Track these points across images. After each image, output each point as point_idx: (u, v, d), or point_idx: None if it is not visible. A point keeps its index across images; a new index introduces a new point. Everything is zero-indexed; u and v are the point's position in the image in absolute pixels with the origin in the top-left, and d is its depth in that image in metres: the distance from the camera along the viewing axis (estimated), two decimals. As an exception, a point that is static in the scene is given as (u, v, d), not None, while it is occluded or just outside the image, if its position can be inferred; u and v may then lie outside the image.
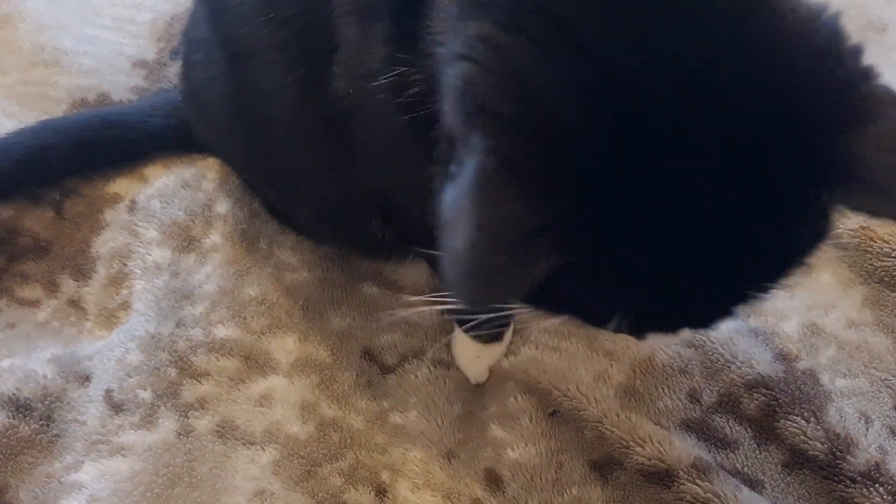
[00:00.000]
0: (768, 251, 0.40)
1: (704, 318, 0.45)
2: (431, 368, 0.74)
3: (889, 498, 0.65)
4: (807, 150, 0.38)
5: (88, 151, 0.83)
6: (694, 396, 0.71)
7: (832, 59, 0.39)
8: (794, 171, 0.38)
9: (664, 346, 0.48)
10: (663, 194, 0.38)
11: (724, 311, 0.44)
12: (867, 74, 0.40)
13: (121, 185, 0.84)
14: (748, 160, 0.38)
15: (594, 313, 0.44)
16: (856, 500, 0.65)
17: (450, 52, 0.40)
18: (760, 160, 0.38)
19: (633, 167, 0.37)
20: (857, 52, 0.40)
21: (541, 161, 0.37)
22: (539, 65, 0.37)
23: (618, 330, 0.43)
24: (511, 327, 0.74)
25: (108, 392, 0.72)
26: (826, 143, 0.38)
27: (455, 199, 0.38)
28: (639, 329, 0.45)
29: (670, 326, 0.45)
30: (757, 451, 0.69)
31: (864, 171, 0.38)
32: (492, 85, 0.38)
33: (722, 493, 0.64)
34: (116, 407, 0.72)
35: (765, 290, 0.42)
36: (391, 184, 0.59)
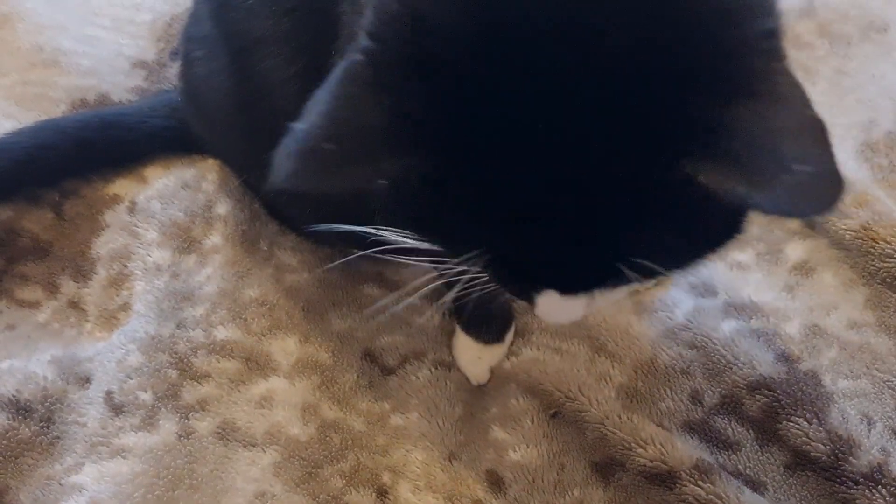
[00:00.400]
0: (632, 219, 0.38)
1: (565, 279, 0.42)
2: (433, 370, 0.74)
3: (891, 500, 0.64)
4: (677, 112, 0.36)
5: (88, 152, 0.82)
6: (696, 398, 0.71)
7: (735, 24, 0.37)
8: (658, 132, 0.36)
9: (563, 318, 0.43)
10: (520, 127, 0.37)
11: (588, 279, 0.42)
12: (771, 52, 0.38)
13: (121, 187, 0.83)
14: (614, 111, 0.36)
15: (449, 241, 0.42)
16: (858, 501, 0.65)
17: None
18: (626, 114, 0.36)
19: (497, 92, 0.36)
20: (771, 32, 0.38)
21: (403, 61, 0.37)
22: None
23: (472, 264, 0.41)
24: (512, 328, 0.74)
25: (109, 394, 0.72)
26: (699, 109, 0.36)
27: (318, 92, 0.38)
28: (497, 274, 0.43)
29: (530, 281, 0.43)
30: (759, 453, 0.69)
31: (735, 148, 0.35)
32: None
33: (724, 495, 0.64)
34: (117, 408, 0.71)
35: (640, 268, 0.39)
36: None
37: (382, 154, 0.38)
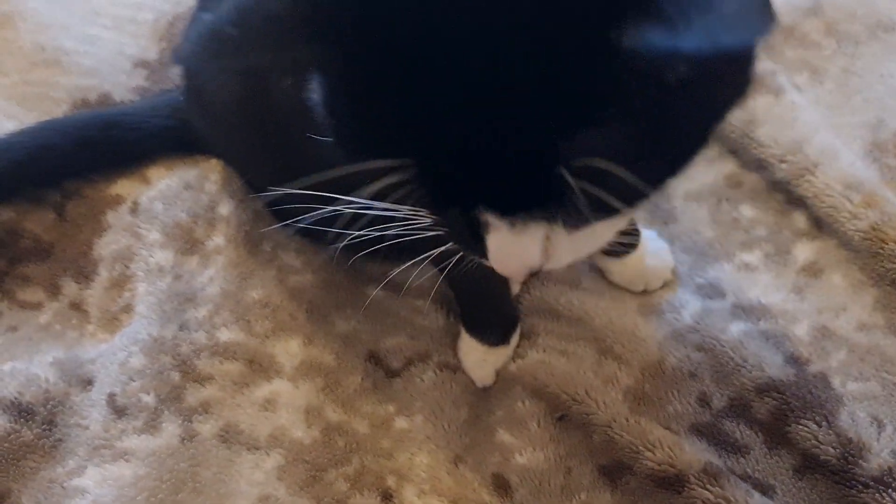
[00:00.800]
0: (564, 110, 0.34)
1: (501, 193, 0.38)
2: (437, 372, 0.73)
3: (902, 503, 0.64)
4: None
5: (90, 152, 0.82)
6: (704, 400, 0.70)
7: None
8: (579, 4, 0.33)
9: (517, 263, 0.40)
10: (430, 10, 0.34)
11: (527, 192, 0.37)
12: None
13: (123, 187, 0.83)
14: None
15: (377, 148, 0.38)
16: (868, 505, 0.64)
17: None
18: None
19: None
20: None
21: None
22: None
23: (407, 177, 0.37)
24: (518, 330, 0.74)
25: (111, 396, 0.71)
26: None
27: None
28: (435, 185, 0.38)
29: (463, 197, 0.38)
30: (768, 456, 0.68)
31: (652, 3, 0.33)
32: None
33: (733, 499, 0.63)
34: (119, 411, 0.71)
35: (588, 174, 0.35)
36: None
37: (286, 42, 0.37)
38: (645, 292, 0.76)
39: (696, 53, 0.32)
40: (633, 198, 0.39)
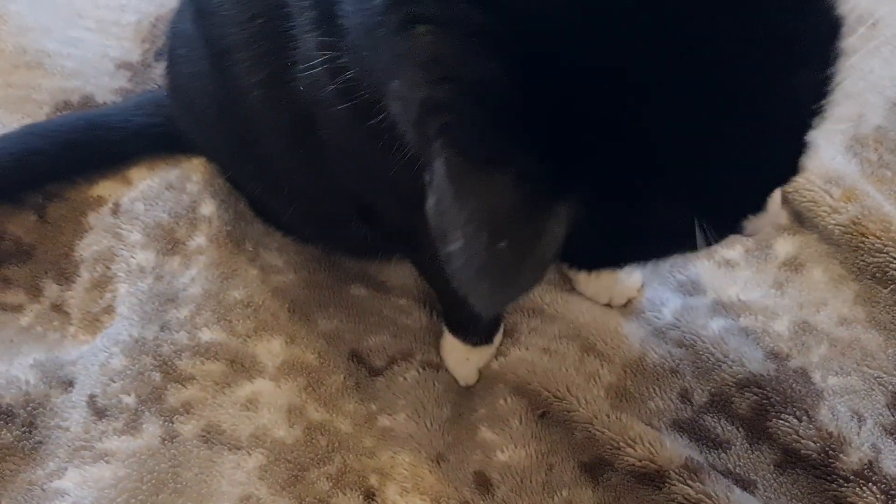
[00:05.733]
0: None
1: (779, 160, 0.41)
2: (420, 371, 0.73)
3: (882, 497, 0.64)
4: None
5: (74, 154, 0.82)
6: (685, 396, 0.70)
7: None
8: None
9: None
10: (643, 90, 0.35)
11: (793, 147, 0.41)
12: None
13: (104, 188, 0.83)
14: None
15: (669, 242, 0.41)
16: (849, 499, 0.64)
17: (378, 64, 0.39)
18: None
19: (586, 90, 0.34)
20: None
21: (493, 129, 0.35)
22: (449, 39, 0.35)
23: (710, 238, 0.39)
24: (501, 329, 0.73)
25: (92, 397, 0.71)
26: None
27: (437, 204, 0.36)
28: (724, 226, 0.41)
29: (752, 196, 0.42)
30: (749, 451, 0.68)
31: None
32: (422, 82, 0.36)
33: (714, 494, 0.63)
34: (100, 412, 0.71)
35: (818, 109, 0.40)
36: (358, 182, 0.58)
37: (546, 215, 0.35)
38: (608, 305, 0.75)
39: None
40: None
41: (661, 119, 0.35)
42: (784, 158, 0.41)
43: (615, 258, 0.43)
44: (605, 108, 0.35)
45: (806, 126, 0.40)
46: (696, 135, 0.36)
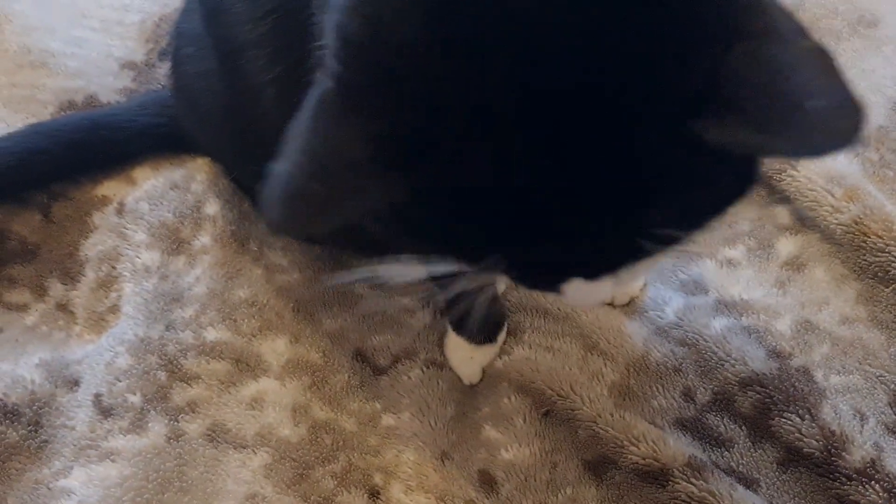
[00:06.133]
0: (645, 193, 0.36)
1: (588, 267, 0.40)
2: (424, 369, 0.73)
3: (885, 495, 0.64)
4: (673, 71, 0.33)
5: (78, 154, 0.82)
6: (688, 395, 0.71)
7: None
8: (656, 99, 0.34)
9: (592, 301, 0.45)
10: (507, 128, 0.34)
11: (611, 261, 0.40)
12: None
13: (109, 188, 0.83)
14: (603, 87, 0.33)
15: (464, 253, 0.40)
16: (852, 497, 0.65)
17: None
18: (617, 87, 0.33)
19: (471, 96, 0.34)
20: None
21: (372, 84, 0.35)
22: None
23: (496, 270, 0.39)
24: (505, 328, 0.74)
25: (97, 396, 0.71)
26: (696, 61, 0.33)
27: (295, 123, 0.37)
28: (519, 275, 0.41)
29: (553, 275, 0.41)
30: (752, 450, 0.68)
31: (739, 98, 0.33)
32: (348, 12, 0.36)
33: (717, 492, 0.64)
34: (105, 411, 0.71)
35: (661, 237, 0.37)
36: None
37: (370, 183, 0.36)
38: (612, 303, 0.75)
39: (789, 156, 0.33)
40: (695, 231, 0.41)
41: (506, 146, 0.35)
42: (597, 261, 0.40)
43: (417, 246, 0.42)
44: (460, 114, 0.35)
45: (630, 244, 0.38)
46: (533, 189, 0.36)
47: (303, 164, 0.36)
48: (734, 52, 0.33)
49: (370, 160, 0.36)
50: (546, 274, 0.41)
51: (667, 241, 0.38)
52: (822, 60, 0.34)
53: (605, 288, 0.42)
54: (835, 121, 0.33)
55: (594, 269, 0.41)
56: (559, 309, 0.75)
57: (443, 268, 0.41)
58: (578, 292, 0.42)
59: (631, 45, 0.34)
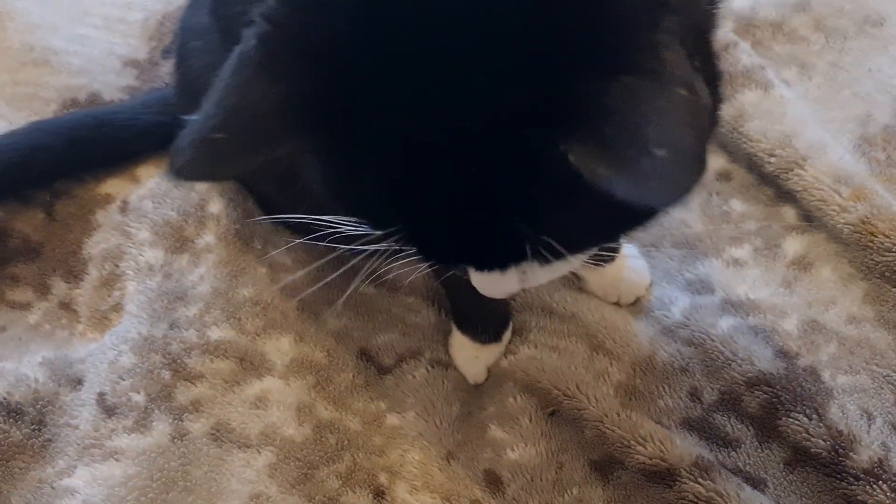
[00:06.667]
0: (521, 198, 0.37)
1: (476, 258, 0.42)
2: (429, 369, 0.73)
3: (892, 495, 0.64)
4: (551, 87, 0.35)
5: (81, 152, 0.82)
6: (695, 395, 0.71)
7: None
8: (533, 110, 0.35)
9: (497, 292, 0.45)
10: (400, 109, 0.37)
11: (497, 257, 0.41)
12: (657, 25, 0.35)
13: (112, 186, 0.83)
14: (488, 88, 0.35)
15: (371, 218, 0.42)
16: (859, 497, 0.64)
17: None
18: (501, 91, 0.35)
19: (376, 74, 0.36)
20: (660, 3, 0.36)
21: (292, 44, 0.38)
22: None
23: (400, 240, 0.41)
24: (510, 327, 0.73)
25: (101, 395, 0.71)
26: (577, 83, 0.34)
27: (217, 77, 0.39)
28: (418, 251, 0.42)
29: (446, 258, 0.43)
30: (759, 450, 0.68)
31: (603, 128, 0.34)
32: None
33: (724, 492, 0.63)
34: (109, 410, 0.71)
35: (546, 246, 0.39)
36: None
37: (274, 139, 0.39)
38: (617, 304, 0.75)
39: (627, 197, 0.34)
40: (577, 251, 0.43)
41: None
42: (484, 254, 0.41)
43: (334, 204, 0.44)
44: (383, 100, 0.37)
45: (517, 247, 0.39)
46: (419, 174, 0.38)
47: (217, 115, 0.38)
48: (614, 83, 0.34)
49: (277, 116, 0.38)
50: (442, 255, 0.43)
51: (550, 252, 0.39)
52: (688, 111, 0.34)
53: (509, 282, 0.44)
54: (675, 174, 0.33)
55: (483, 261, 0.42)
56: (565, 308, 0.74)
57: (356, 229, 0.42)
58: (483, 280, 0.44)
59: (516, 58, 0.35)
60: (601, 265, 0.72)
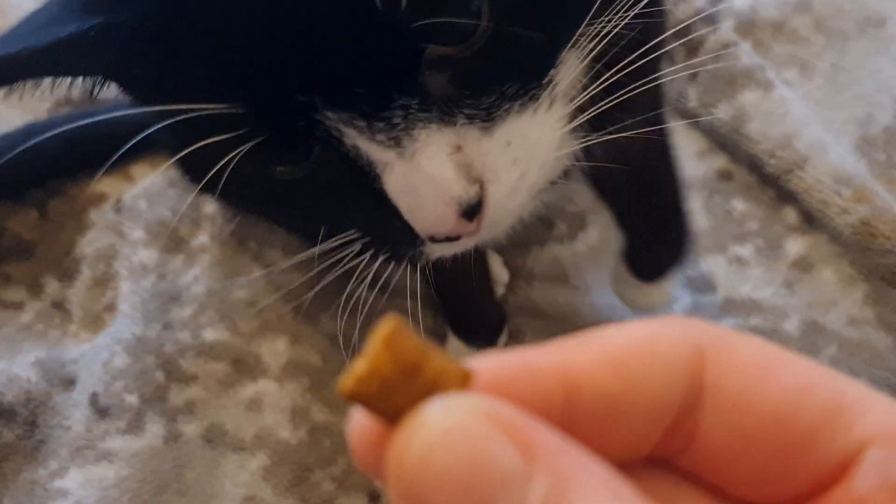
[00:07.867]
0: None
1: (348, 83, 0.35)
2: (425, 370, 0.72)
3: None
4: None
5: (75, 150, 0.81)
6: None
7: None
8: None
9: (434, 205, 0.36)
10: None
11: (376, 75, 0.35)
12: None
13: (106, 185, 0.82)
14: None
15: (207, 93, 0.38)
16: (859, 502, 0.64)
17: None
18: None
19: None
20: None
21: None
22: None
23: (245, 116, 0.37)
24: (504, 331, 0.73)
25: (94, 396, 0.70)
26: None
27: None
28: (267, 120, 0.37)
29: (306, 106, 0.36)
30: (758, 453, 0.68)
31: None
32: None
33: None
34: (102, 411, 0.70)
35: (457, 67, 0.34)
36: None
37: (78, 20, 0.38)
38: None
39: None
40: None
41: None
42: (370, 77, 0.34)
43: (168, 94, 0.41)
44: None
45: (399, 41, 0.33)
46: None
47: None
48: None
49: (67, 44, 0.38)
50: (301, 110, 0.35)
51: (442, 97, 0.34)
52: None
53: (439, 167, 0.34)
54: None
55: (369, 92, 0.34)
56: (559, 310, 0.74)
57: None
58: (407, 186, 0.36)
59: None
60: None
